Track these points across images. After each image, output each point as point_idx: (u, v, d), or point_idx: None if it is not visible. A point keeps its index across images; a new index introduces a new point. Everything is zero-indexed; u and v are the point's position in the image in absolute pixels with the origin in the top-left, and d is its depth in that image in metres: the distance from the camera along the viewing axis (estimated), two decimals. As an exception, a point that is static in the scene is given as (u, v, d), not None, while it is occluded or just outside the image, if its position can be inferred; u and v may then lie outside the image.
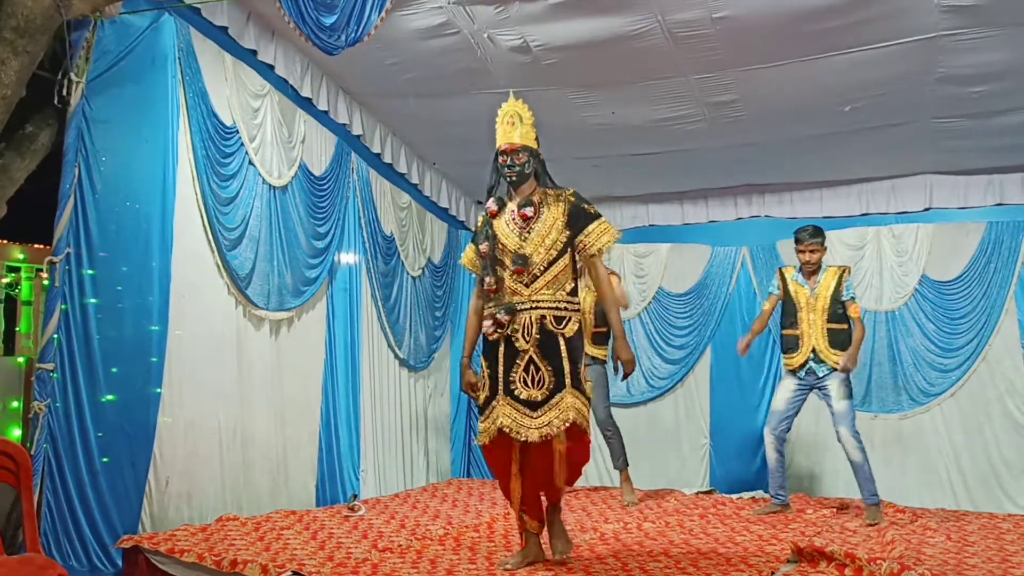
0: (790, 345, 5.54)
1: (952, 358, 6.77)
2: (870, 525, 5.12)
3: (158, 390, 4.47)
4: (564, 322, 3.87)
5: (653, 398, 7.70)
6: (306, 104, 5.84)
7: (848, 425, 5.29)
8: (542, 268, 3.89)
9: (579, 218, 3.94)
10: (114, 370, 4.32)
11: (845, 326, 5.41)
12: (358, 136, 6.46)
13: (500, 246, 3.95)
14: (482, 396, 3.94)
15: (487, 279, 3.96)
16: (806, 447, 6.96)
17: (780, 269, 5.79)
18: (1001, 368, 6.62)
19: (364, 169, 6.55)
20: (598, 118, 6.27)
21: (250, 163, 5.22)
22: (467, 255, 4.24)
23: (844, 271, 5.51)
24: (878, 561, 3.75)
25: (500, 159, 4.00)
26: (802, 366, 5.47)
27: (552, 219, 3.92)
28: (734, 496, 6.51)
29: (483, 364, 3.98)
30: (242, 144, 5.15)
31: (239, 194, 5.13)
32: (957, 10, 4.81)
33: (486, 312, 3.98)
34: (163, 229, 4.53)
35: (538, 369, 3.82)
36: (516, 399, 3.82)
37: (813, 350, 5.42)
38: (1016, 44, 5.08)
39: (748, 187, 7.48)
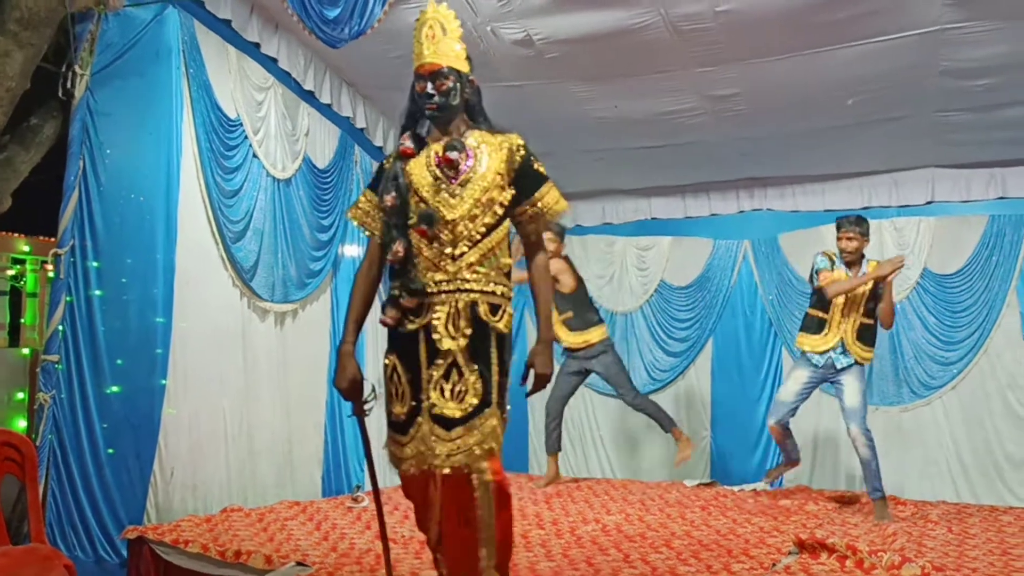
0: (812, 326, 5.36)
1: (953, 351, 6.77)
2: (876, 525, 4.99)
3: (163, 382, 4.48)
4: (499, 313, 2.91)
5: (654, 390, 7.69)
6: (309, 97, 5.84)
7: (859, 422, 5.17)
8: (478, 236, 2.90)
9: (528, 176, 2.96)
10: (119, 362, 4.35)
11: (873, 321, 5.29)
12: (362, 129, 6.47)
13: (416, 200, 2.94)
14: (398, 408, 2.90)
15: (394, 245, 2.92)
16: (808, 440, 6.96)
17: (827, 252, 5.40)
18: (1002, 362, 6.62)
19: (368, 162, 6.56)
20: (600, 111, 6.27)
21: (254, 156, 5.23)
22: (358, 206, 3.11)
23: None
24: (879, 553, 3.77)
25: (417, 86, 2.99)
26: (823, 353, 5.31)
27: (493, 171, 2.93)
28: (735, 488, 6.51)
29: (393, 365, 2.95)
30: (246, 137, 5.15)
31: (243, 187, 5.13)
32: (960, 3, 4.80)
33: (392, 289, 2.99)
34: (167, 221, 4.53)
35: (461, 375, 2.84)
36: (428, 414, 2.85)
37: (841, 341, 5.28)
38: (1019, 37, 5.07)
39: (750, 180, 7.48)
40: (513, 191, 2.95)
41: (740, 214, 7.62)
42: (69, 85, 4.28)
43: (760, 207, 7.54)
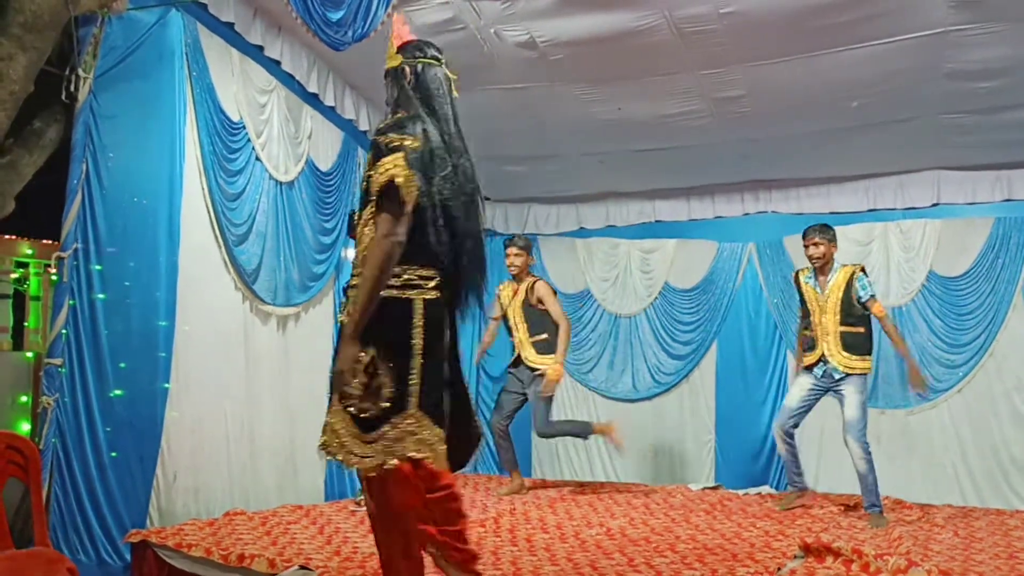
0: (808, 345, 5.49)
1: (959, 354, 6.75)
2: (882, 528, 4.98)
3: (166, 385, 4.47)
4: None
5: (658, 394, 7.69)
6: (313, 100, 5.84)
7: (856, 435, 5.19)
8: (360, 229, 2.85)
9: (376, 154, 2.75)
10: (122, 365, 4.33)
11: (861, 329, 5.27)
12: (364, 131, 6.47)
13: None
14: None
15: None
16: (813, 444, 6.94)
17: (796, 272, 5.66)
18: (1008, 364, 6.60)
19: (370, 165, 6.55)
20: (604, 114, 6.27)
21: (257, 159, 5.23)
22: None
23: (856, 270, 5.34)
24: (885, 557, 3.75)
25: None
26: (814, 365, 5.38)
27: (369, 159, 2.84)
28: (740, 492, 6.51)
29: None
30: (249, 140, 5.15)
31: (246, 189, 5.13)
32: (964, 5, 4.80)
33: None
34: (170, 224, 4.52)
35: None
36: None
37: (823, 353, 5.32)
38: (1024, 39, 5.07)
39: (755, 183, 7.48)
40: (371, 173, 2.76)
41: (745, 216, 7.61)
42: (72, 88, 4.27)
43: (765, 209, 7.53)
